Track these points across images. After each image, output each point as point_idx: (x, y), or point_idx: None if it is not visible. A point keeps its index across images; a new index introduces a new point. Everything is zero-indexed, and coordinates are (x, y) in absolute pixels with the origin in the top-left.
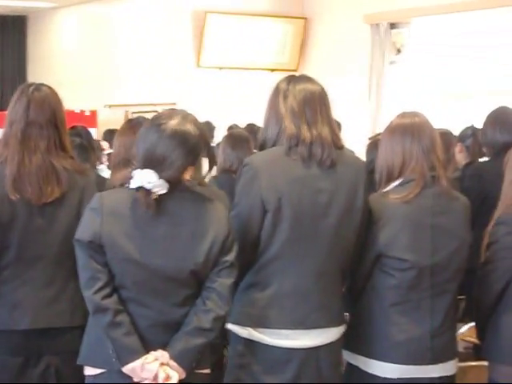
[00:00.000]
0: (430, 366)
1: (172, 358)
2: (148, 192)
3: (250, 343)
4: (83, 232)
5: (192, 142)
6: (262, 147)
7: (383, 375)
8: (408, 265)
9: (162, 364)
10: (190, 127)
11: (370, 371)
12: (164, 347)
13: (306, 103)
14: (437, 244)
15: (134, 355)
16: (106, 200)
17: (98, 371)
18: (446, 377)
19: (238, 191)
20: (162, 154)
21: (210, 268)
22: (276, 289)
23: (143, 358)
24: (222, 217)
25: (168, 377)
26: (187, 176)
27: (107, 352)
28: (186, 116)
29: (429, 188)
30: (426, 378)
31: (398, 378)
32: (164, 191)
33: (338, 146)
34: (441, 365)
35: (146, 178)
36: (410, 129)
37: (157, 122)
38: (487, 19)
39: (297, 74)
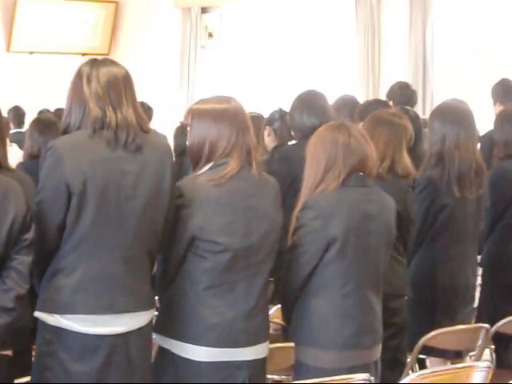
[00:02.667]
0: (244, 349)
1: None
2: None
3: (58, 330)
4: None
5: None
6: (65, 132)
7: (196, 358)
8: (221, 247)
9: None
10: None
11: (183, 355)
12: None
13: (110, 86)
14: (250, 226)
15: None
16: None
17: None
18: (258, 359)
19: (42, 175)
20: None
21: (11, 247)
22: (82, 274)
23: None
24: (20, 195)
25: None
26: None
27: None
28: None
29: (241, 171)
30: (239, 361)
31: (211, 362)
32: None
33: (144, 129)
34: (254, 347)
35: None
36: (223, 113)
37: None
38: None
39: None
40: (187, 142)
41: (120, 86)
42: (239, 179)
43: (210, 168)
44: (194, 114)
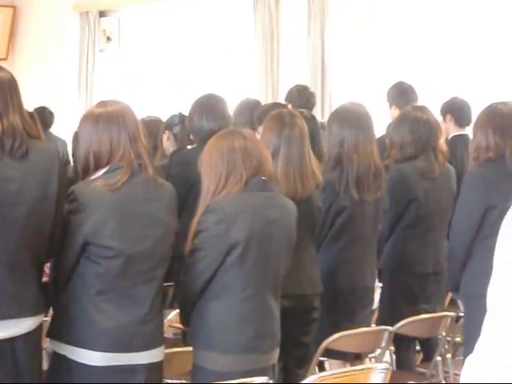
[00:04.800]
0: (138, 353)
1: None
2: None
3: None
4: None
5: None
6: None
7: (90, 363)
8: (113, 253)
9: None
10: None
11: (78, 359)
12: None
13: None
14: (143, 232)
15: None
16: None
17: None
18: (154, 363)
19: None
20: None
21: None
22: None
23: None
24: None
25: None
26: None
27: None
28: None
29: (136, 176)
30: (134, 365)
31: (105, 366)
32: None
33: (31, 134)
34: (149, 351)
35: None
36: (115, 116)
37: None
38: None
39: (5, 63)
40: (79, 148)
41: (6, 91)
42: (134, 184)
43: (105, 172)
44: (82, 119)
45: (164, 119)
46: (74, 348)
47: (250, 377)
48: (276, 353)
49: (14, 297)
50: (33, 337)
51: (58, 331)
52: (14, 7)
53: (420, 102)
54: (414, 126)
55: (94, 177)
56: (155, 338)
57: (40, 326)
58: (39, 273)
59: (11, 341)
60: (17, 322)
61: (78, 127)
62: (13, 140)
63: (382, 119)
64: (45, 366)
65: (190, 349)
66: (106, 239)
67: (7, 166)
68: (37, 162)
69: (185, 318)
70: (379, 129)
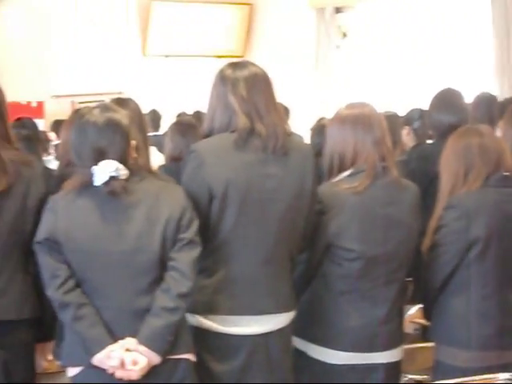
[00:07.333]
0: (376, 353)
1: (140, 342)
2: (118, 179)
3: (200, 331)
4: (40, 232)
5: (117, 127)
6: (208, 136)
7: (330, 361)
8: (355, 255)
9: (128, 350)
10: (116, 114)
11: (317, 357)
12: (135, 336)
13: (253, 90)
14: (386, 234)
15: (100, 346)
16: (59, 199)
17: (76, 370)
18: (392, 362)
19: (184, 179)
20: (103, 145)
21: (169, 248)
22: (223, 275)
23: (108, 347)
24: (177, 196)
25: (135, 361)
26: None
27: (81, 348)
28: (107, 105)
29: (379, 179)
30: (373, 364)
31: (344, 365)
32: (126, 175)
33: (287, 132)
34: (388, 351)
35: (109, 168)
36: (361, 119)
37: (82, 119)
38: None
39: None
40: (325, 149)
41: (263, 89)
42: (377, 187)
43: (349, 175)
44: (334, 119)
45: (400, 114)
46: (315, 346)
47: (492, 373)
48: None
49: (269, 292)
50: (285, 333)
51: (300, 328)
52: (250, 4)
53: None
54: None
55: (337, 179)
56: (395, 338)
57: (292, 323)
58: (292, 268)
59: (266, 336)
60: (271, 317)
61: (329, 126)
62: (275, 140)
63: None
64: None
65: (431, 344)
66: (349, 242)
67: (265, 162)
68: (293, 159)
69: (426, 314)
70: None
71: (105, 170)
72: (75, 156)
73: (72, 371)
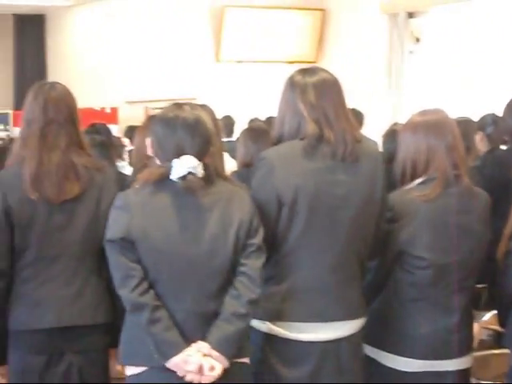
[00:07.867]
0: (447, 361)
1: (212, 347)
2: (195, 176)
3: (269, 337)
4: (113, 231)
5: (204, 127)
6: (278, 142)
7: (401, 369)
8: (426, 263)
9: (205, 355)
10: (201, 114)
11: (388, 364)
12: (204, 339)
13: (323, 96)
14: (458, 243)
15: (176, 349)
16: (131, 196)
17: (139, 370)
18: (461, 370)
19: (254, 185)
20: (187, 142)
21: (239, 253)
22: (293, 282)
23: (185, 351)
24: (246, 201)
25: (212, 367)
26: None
27: (147, 349)
28: (193, 106)
29: (451, 187)
30: (443, 372)
31: (413, 372)
32: (203, 175)
33: (357, 138)
34: (457, 359)
35: (189, 164)
36: (433, 126)
37: (169, 115)
38: (505, 5)
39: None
40: (398, 156)
41: (332, 95)
42: (449, 195)
43: (421, 183)
44: (407, 126)
45: (474, 120)
46: (386, 353)
47: None
48: None
49: (339, 299)
50: (355, 339)
51: (370, 336)
52: (323, 10)
53: None
54: None
55: (409, 186)
56: (465, 346)
57: (361, 329)
58: (362, 275)
59: (335, 343)
60: (340, 324)
61: (403, 132)
62: (344, 147)
63: None
64: None
65: (506, 351)
66: (420, 250)
67: (334, 169)
68: (363, 165)
69: (501, 321)
70: None
71: (184, 165)
72: (158, 149)
73: (133, 370)
